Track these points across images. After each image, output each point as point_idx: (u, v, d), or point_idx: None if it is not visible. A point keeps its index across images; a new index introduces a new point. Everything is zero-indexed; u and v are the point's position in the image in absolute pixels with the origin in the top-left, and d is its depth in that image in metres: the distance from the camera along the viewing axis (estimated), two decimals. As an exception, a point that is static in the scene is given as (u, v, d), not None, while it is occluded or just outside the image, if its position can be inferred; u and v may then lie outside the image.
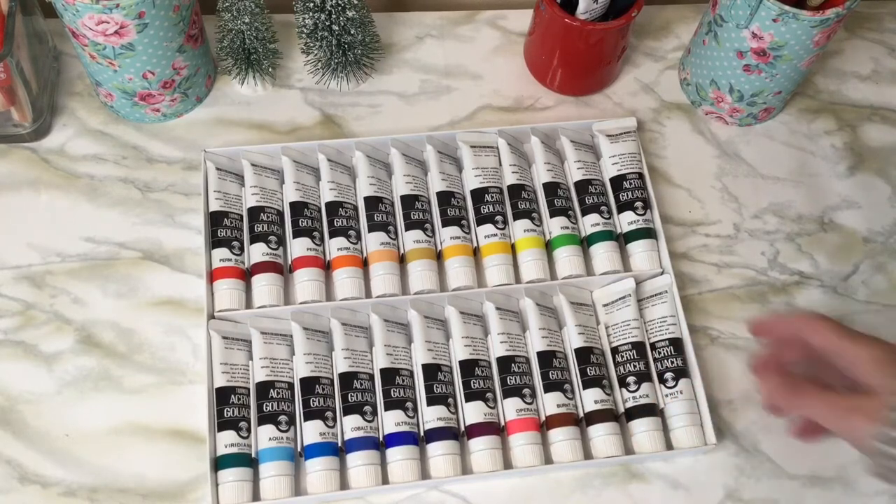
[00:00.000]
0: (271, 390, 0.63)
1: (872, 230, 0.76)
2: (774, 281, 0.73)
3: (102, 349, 0.66)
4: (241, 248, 0.68)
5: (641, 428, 0.64)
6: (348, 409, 0.62)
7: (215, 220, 0.68)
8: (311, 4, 0.70)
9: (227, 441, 0.61)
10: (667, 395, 0.66)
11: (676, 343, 0.67)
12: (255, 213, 0.69)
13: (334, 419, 0.62)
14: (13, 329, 0.67)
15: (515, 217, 0.71)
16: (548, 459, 0.64)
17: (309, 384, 0.63)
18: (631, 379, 0.65)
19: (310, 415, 0.62)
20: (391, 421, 0.62)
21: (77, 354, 0.66)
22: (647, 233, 0.71)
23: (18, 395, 0.64)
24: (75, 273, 0.69)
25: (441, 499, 0.63)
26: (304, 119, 0.77)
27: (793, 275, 0.74)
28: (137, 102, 0.73)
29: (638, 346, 0.67)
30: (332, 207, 0.69)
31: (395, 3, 0.87)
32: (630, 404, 0.65)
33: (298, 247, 0.68)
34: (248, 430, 0.62)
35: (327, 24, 0.72)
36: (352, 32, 0.73)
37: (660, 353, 0.67)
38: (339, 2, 0.70)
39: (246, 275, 0.68)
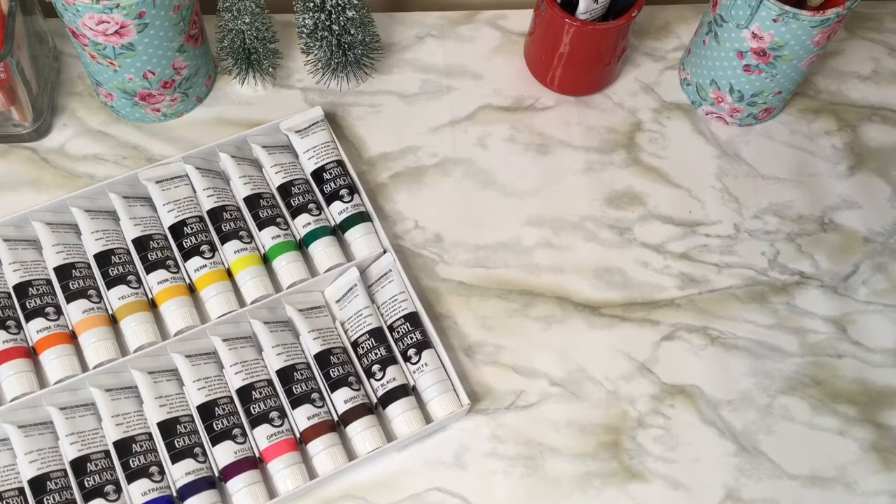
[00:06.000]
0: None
1: (872, 230, 0.76)
2: (774, 281, 0.73)
3: None
4: None
5: (397, 411, 0.63)
6: (89, 496, 0.59)
7: None
8: (311, 4, 0.70)
9: None
10: (414, 372, 0.65)
11: (412, 318, 0.66)
12: None
13: None
14: None
15: (223, 241, 0.68)
16: (313, 475, 0.62)
17: (39, 484, 0.59)
18: (376, 367, 0.65)
19: None
20: (137, 492, 0.59)
21: None
22: (360, 217, 0.70)
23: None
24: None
25: (441, 499, 0.63)
26: (304, 119, 0.77)
27: (793, 275, 0.74)
28: (137, 102, 0.73)
29: (376, 333, 0.66)
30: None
31: (395, 3, 0.87)
32: (381, 392, 0.64)
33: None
34: None
35: (327, 24, 0.72)
36: (352, 32, 0.73)
37: (398, 332, 0.66)
38: (339, 2, 0.70)
39: None
